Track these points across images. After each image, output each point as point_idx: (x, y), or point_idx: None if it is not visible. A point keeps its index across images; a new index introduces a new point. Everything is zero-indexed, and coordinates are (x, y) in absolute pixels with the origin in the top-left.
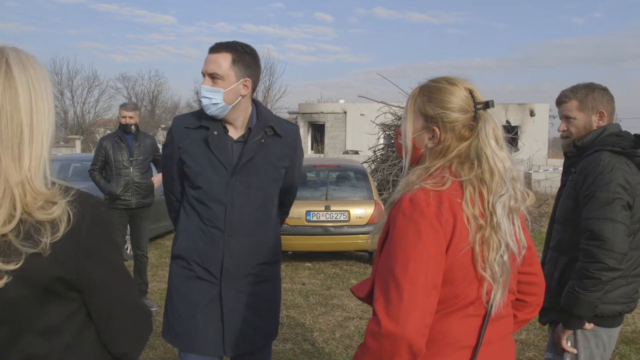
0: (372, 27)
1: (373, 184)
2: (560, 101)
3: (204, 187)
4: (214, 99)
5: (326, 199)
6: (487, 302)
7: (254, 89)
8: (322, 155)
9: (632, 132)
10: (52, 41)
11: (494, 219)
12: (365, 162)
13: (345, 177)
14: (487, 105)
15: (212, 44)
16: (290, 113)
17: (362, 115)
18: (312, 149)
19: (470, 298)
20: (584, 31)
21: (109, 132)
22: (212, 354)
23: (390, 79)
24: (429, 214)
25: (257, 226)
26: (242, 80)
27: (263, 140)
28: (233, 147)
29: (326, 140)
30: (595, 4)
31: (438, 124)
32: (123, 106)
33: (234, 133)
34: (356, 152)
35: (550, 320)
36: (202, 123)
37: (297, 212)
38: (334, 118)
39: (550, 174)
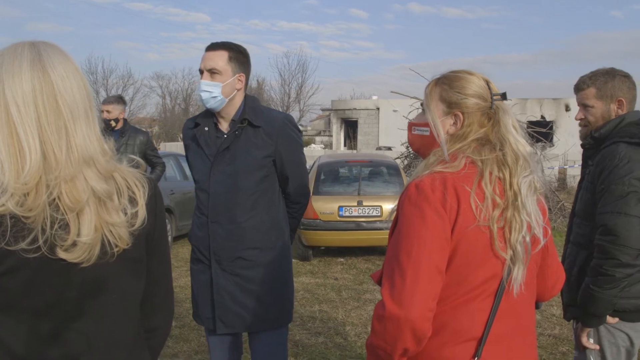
0: (406, 22)
1: (406, 179)
2: (578, 88)
3: (197, 178)
4: (214, 92)
5: (358, 194)
6: (495, 292)
7: (246, 85)
8: (354, 151)
9: None
10: (88, 41)
11: (519, 199)
12: (398, 157)
13: (378, 172)
14: (504, 96)
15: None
16: (323, 110)
17: (394, 111)
18: (344, 145)
19: (474, 284)
20: (623, 24)
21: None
22: (212, 329)
23: (425, 75)
24: (434, 200)
25: (239, 212)
26: (237, 75)
27: (237, 132)
28: (222, 140)
29: (359, 137)
30: None
31: (462, 109)
32: (104, 100)
33: (225, 127)
34: (389, 148)
35: (573, 317)
36: (197, 121)
37: (330, 207)
38: (366, 114)
39: None
